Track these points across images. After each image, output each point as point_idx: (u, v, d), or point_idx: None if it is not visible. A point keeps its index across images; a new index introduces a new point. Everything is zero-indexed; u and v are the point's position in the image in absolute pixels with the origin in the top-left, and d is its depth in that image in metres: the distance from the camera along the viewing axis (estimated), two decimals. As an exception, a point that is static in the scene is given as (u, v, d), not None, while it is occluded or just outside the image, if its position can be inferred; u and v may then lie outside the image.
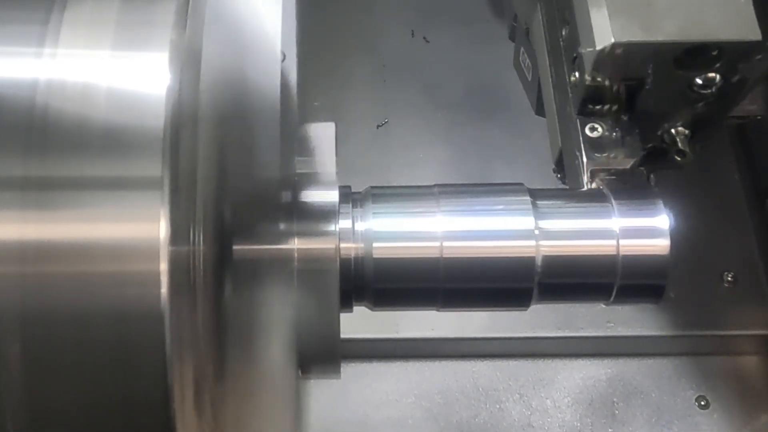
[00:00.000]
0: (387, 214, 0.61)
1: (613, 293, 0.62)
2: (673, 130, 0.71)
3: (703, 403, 1.05)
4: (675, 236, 0.62)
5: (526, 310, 0.64)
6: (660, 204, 0.63)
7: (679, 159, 0.71)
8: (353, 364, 1.04)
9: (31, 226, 0.43)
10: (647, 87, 0.69)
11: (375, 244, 0.60)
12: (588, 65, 0.68)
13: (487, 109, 1.21)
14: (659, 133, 0.72)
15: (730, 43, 0.66)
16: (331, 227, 0.58)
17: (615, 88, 0.69)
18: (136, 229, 0.43)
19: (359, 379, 1.04)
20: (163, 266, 0.42)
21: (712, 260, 1.09)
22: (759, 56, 0.66)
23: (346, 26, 1.27)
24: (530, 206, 0.61)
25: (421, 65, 1.24)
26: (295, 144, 0.60)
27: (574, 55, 0.72)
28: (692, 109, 0.70)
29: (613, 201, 0.63)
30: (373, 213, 0.61)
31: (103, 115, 0.44)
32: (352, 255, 0.60)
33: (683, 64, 0.67)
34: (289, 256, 0.56)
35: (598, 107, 0.71)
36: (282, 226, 0.55)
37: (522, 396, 1.05)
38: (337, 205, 0.59)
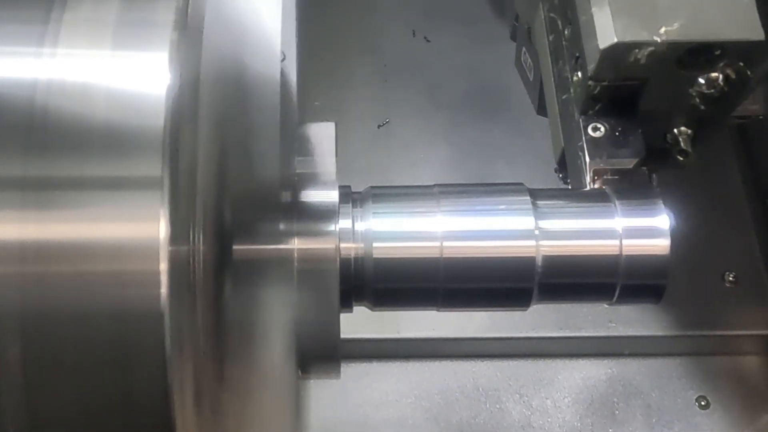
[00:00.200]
0: (387, 214, 0.61)
1: (616, 293, 0.62)
2: (675, 130, 0.71)
3: (703, 403, 1.05)
4: (676, 236, 0.61)
5: (526, 310, 0.64)
6: (660, 204, 0.63)
7: (681, 159, 0.71)
8: (353, 364, 1.04)
9: (30, 226, 0.43)
10: (650, 87, 0.68)
11: (375, 244, 0.60)
12: (591, 65, 0.68)
13: (489, 109, 1.21)
14: (662, 133, 0.72)
15: (733, 43, 0.66)
16: (331, 227, 0.58)
17: (618, 88, 0.69)
18: (135, 229, 0.43)
19: (359, 379, 1.04)
20: (163, 266, 0.42)
21: (714, 260, 1.09)
22: (762, 56, 0.66)
23: (347, 26, 1.27)
24: (530, 206, 0.61)
25: (422, 65, 1.24)
26: (295, 144, 0.60)
27: (577, 54, 0.71)
28: (695, 108, 0.70)
29: (616, 201, 0.63)
30: (373, 213, 0.61)
31: (102, 114, 0.44)
32: (352, 255, 0.60)
33: (686, 63, 0.67)
34: (289, 256, 0.56)
35: (600, 107, 0.71)
36: (282, 226, 0.55)
37: (522, 396, 1.05)
38: (337, 205, 0.59)
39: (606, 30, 0.66)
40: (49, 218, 0.43)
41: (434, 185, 0.64)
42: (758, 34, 0.65)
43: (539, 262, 0.60)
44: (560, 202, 0.64)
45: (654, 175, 0.71)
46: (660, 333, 1.06)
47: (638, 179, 0.68)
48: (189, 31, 0.46)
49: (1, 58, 0.46)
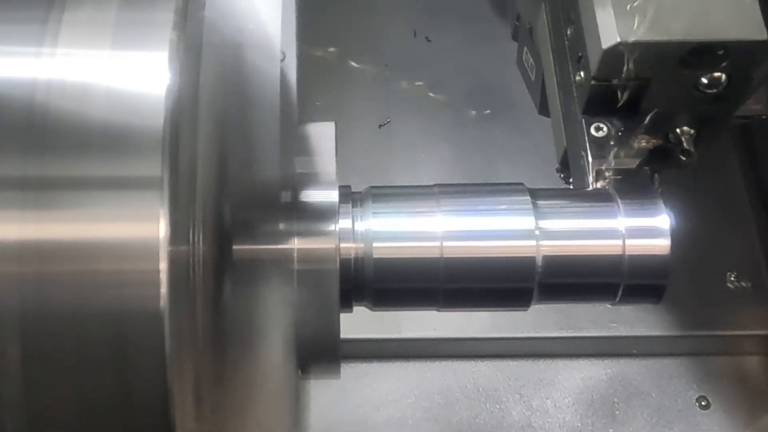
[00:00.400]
0: (387, 214, 0.61)
1: (619, 293, 0.62)
2: (678, 130, 0.71)
3: (703, 403, 1.05)
4: (678, 236, 0.61)
5: (526, 310, 0.64)
6: (661, 204, 0.63)
7: (683, 159, 0.71)
8: (353, 364, 1.04)
9: (30, 225, 0.43)
10: (652, 87, 0.68)
11: (375, 244, 0.60)
12: (593, 65, 0.68)
13: (490, 108, 1.21)
14: (664, 132, 0.71)
15: (736, 43, 0.66)
16: (331, 227, 0.58)
17: (620, 87, 0.69)
18: (135, 228, 0.43)
19: (359, 379, 1.04)
20: (163, 266, 0.42)
21: (716, 260, 1.09)
22: (765, 56, 0.66)
23: (348, 26, 1.27)
24: (530, 206, 0.61)
25: (423, 65, 1.24)
26: (295, 143, 0.60)
27: (579, 54, 0.71)
28: (697, 108, 0.70)
29: (619, 201, 0.63)
30: (373, 213, 0.61)
31: (102, 114, 0.44)
32: (352, 255, 0.60)
33: (689, 63, 0.67)
34: (289, 256, 0.56)
35: (603, 107, 0.71)
36: (282, 225, 0.55)
37: (522, 396, 1.05)
38: (337, 204, 0.59)
39: (608, 29, 0.66)
40: (48, 218, 0.43)
41: (434, 185, 0.64)
42: (761, 34, 0.65)
43: (539, 262, 0.60)
44: (561, 201, 0.64)
45: (656, 175, 0.71)
46: (661, 333, 1.06)
47: (641, 179, 0.68)
48: (189, 30, 0.46)
49: (1, 58, 0.46)
